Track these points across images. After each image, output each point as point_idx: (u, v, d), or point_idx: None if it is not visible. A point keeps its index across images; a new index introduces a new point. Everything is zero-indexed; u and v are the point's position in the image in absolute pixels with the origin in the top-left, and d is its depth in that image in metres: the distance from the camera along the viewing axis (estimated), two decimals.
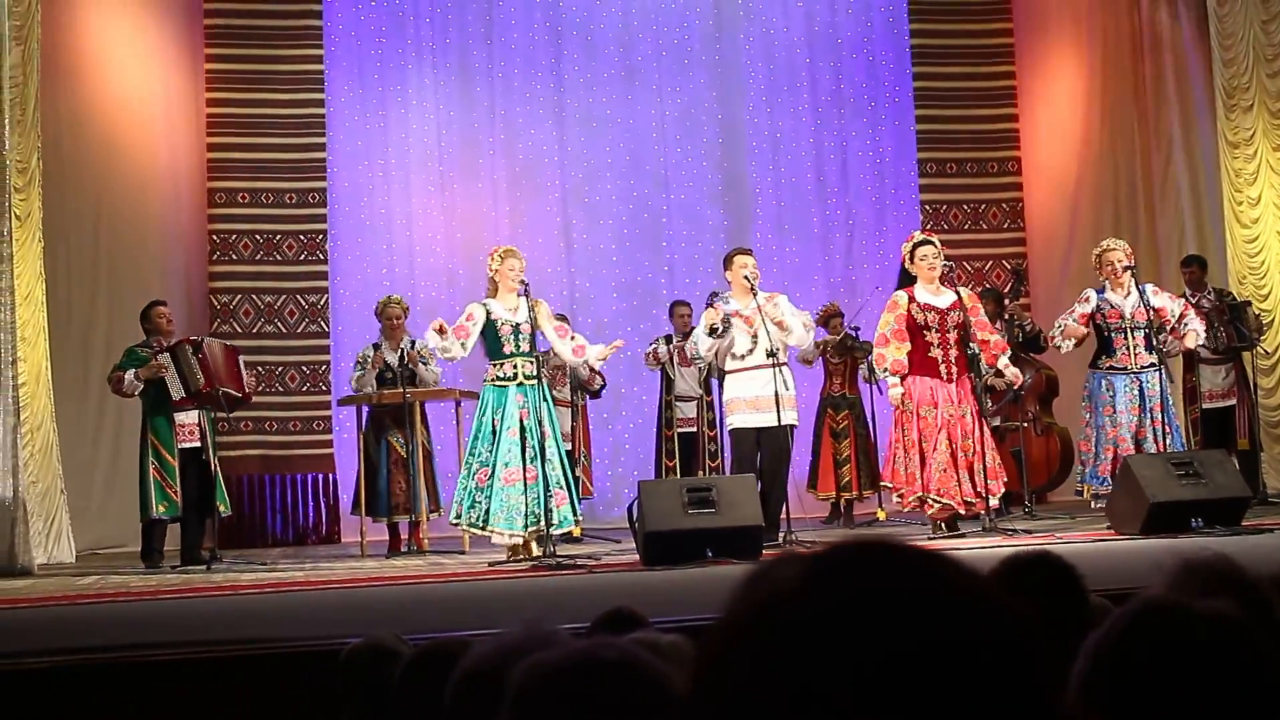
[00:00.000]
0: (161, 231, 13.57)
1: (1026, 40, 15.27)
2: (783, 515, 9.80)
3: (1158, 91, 14.74)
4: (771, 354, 9.84)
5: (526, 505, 9.46)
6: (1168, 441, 10.35)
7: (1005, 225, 15.02)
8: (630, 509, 9.34)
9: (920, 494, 9.78)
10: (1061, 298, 14.19)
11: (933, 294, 10.03)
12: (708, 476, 11.28)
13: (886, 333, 10.02)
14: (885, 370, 10.05)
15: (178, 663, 5.17)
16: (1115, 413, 10.44)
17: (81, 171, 13.17)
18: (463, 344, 9.64)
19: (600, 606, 3.26)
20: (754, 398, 9.87)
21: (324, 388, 13.71)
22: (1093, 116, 15.13)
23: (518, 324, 9.78)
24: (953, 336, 9.92)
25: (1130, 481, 9.38)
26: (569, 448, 11.42)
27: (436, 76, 14.55)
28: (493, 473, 9.59)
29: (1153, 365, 10.52)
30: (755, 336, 9.87)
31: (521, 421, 9.62)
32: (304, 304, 13.78)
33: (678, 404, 12.51)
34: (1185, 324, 10.70)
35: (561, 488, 9.63)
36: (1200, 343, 10.89)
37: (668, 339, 12.58)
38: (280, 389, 13.67)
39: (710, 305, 9.88)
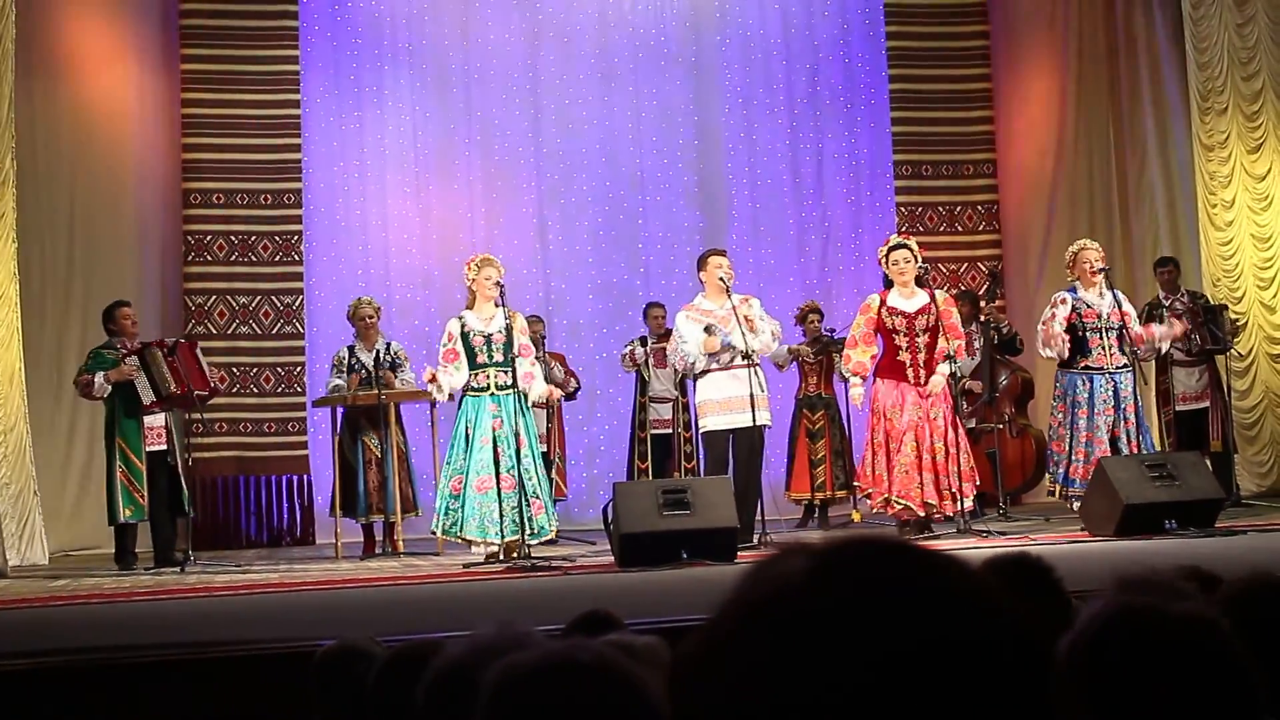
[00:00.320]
0: (136, 232, 13.52)
1: (1003, 43, 15.31)
2: (758, 517, 9.82)
3: (1133, 94, 14.79)
4: (747, 355, 9.87)
5: (501, 513, 9.46)
6: (1141, 443, 10.39)
7: (981, 227, 15.05)
8: (605, 510, 9.34)
9: (885, 495, 9.85)
10: (1037, 300, 14.22)
11: (904, 298, 10.09)
12: (683, 478, 11.28)
13: (856, 335, 10.15)
14: (847, 370, 10.13)
15: (151, 665, 5.15)
16: (1092, 414, 10.46)
17: (56, 172, 13.13)
18: (456, 366, 9.76)
19: (575, 608, 3.25)
20: (726, 398, 9.90)
21: (299, 389, 13.67)
22: (1068, 119, 15.17)
23: (489, 334, 9.81)
24: (922, 340, 9.97)
25: (1105, 483, 9.41)
26: (544, 449, 11.41)
27: (412, 77, 14.52)
28: (465, 481, 9.62)
29: (1126, 367, 10.56)
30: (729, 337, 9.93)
31: (494, 431, 9.65)
32: (279, 305, 13.74)
33: (653, 405, 12.52)
34: (1155, 340, 10.76)
35: (538, 496, 9.64)
36: (1168, 337, 10.90)
37: (643, 340, 12.58)
38: (255, 390, 13.62)
39: (709, 332, 9.93)
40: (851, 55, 15.28)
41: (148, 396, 10.49)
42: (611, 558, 9.08)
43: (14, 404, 11.74)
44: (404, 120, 14.45)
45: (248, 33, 13.87)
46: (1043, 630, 1.16)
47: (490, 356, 9.80)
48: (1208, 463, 10.60)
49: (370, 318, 11.51)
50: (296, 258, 13.84)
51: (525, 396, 9.90)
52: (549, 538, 10.03)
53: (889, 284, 10.26)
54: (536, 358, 11.55)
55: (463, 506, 9.60)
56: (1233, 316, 12.53)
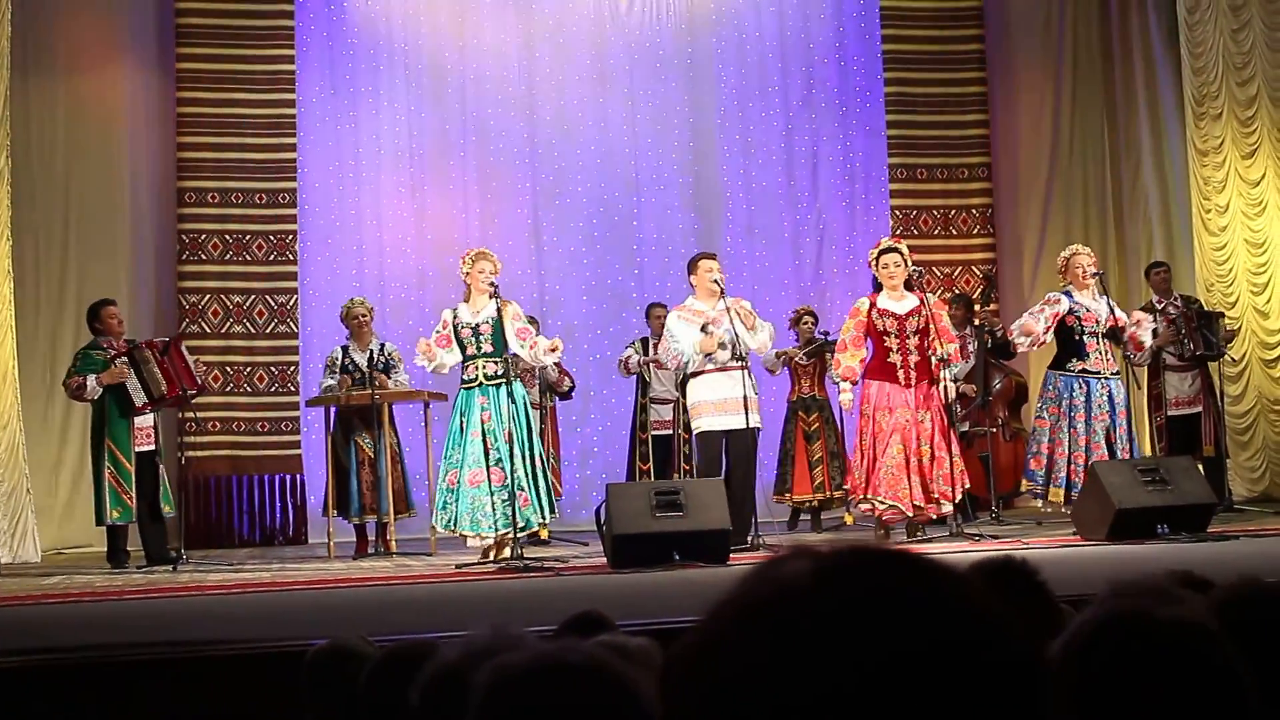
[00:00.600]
0: (130, 231, 13.51)
1: (998, 48, 15.31)
2: (766, 519, 9.87)
3: (1127, 99, 14.82)
4: (741, 356, 9.90)
5: (492, 506, 9.48)
6: (1132, 449, 10.41)
7: (975, 231, 15.05)
8: (598, 511, 9.34)
9: (866, 495, 9.87)
10: (1030, 304, 14.22)
11: (894, 300, 10.14)
12: (681, 480, 11.27)
13: (846, 339, 10.19)
14: (836, 374, 10.16)
15: (143, 663, 5.15)
16: (1088, 417, 10.46)
17: (51, 170, 13.14)
18: (449, 351, 9.78)
19: (567, 609, 3.26)
20: (721, 400, 9.92)
21: (292, 388, 13.65)
22: (1063, 124, 15.20)
23: (477, 325, 9.82)
24: (912, 342, 10.02)
25: (1097, 487, 9.43)
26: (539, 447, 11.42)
27: (408, 78, 14.51)
28: (460, 475, 9.64)
29: (1117, 373, 10.58)
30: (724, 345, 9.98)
31: (484, 424, 9.65)
32: (273, 304, 13.72)
33: (653, 406, 12.51)
34: (1141, 328, 10.75)
35: (523, 489, 9.61)
36: (1150, 337, 10.90)
37: (644, 341, 12.56)
38: (248, 389, 13.61)
39: (705, 331, 9.94)
40: (847, 59, 15.27)
41: (139, 398, 10.48)
42: (604, 559, 9.09)
43: (7, 402, 11.74)
44: (399, 120, 14.44)
45: (243, 32, 13.85)
46: (1035, 638, 1.17)
47: (479, 347, 9.81)
48: (1200, 468, 10.61)
49: (363, 318, 11.50)
50: (291, 257, 13.82)
51: (520, 386, 9.93)
52: (533, 530, 10.03)
53: (878, 287, 10.29)
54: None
55: (457, 501, 9.61)
56: (1227, 324, 12.53)
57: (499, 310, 9.75)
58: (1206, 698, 1.44)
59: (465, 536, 9.70)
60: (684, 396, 10.49)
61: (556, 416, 12.68)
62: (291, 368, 13.71)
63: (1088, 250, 10.99)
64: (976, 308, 12.57)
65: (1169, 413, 12.19)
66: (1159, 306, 12.17)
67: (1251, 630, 1.95)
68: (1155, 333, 11.12)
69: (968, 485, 10.22)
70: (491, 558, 9.53)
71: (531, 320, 12.06)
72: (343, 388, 11.22)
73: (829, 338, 12.28)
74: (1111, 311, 10.56)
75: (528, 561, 9.07)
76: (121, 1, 13.68)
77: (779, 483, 12.49)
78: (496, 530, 9.51)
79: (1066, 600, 3.04)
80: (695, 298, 10.21)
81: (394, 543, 11.23)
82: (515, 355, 9.92)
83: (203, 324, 13.50)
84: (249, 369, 13.63)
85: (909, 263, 10.27)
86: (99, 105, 13.43)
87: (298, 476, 13.53)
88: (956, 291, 13.86)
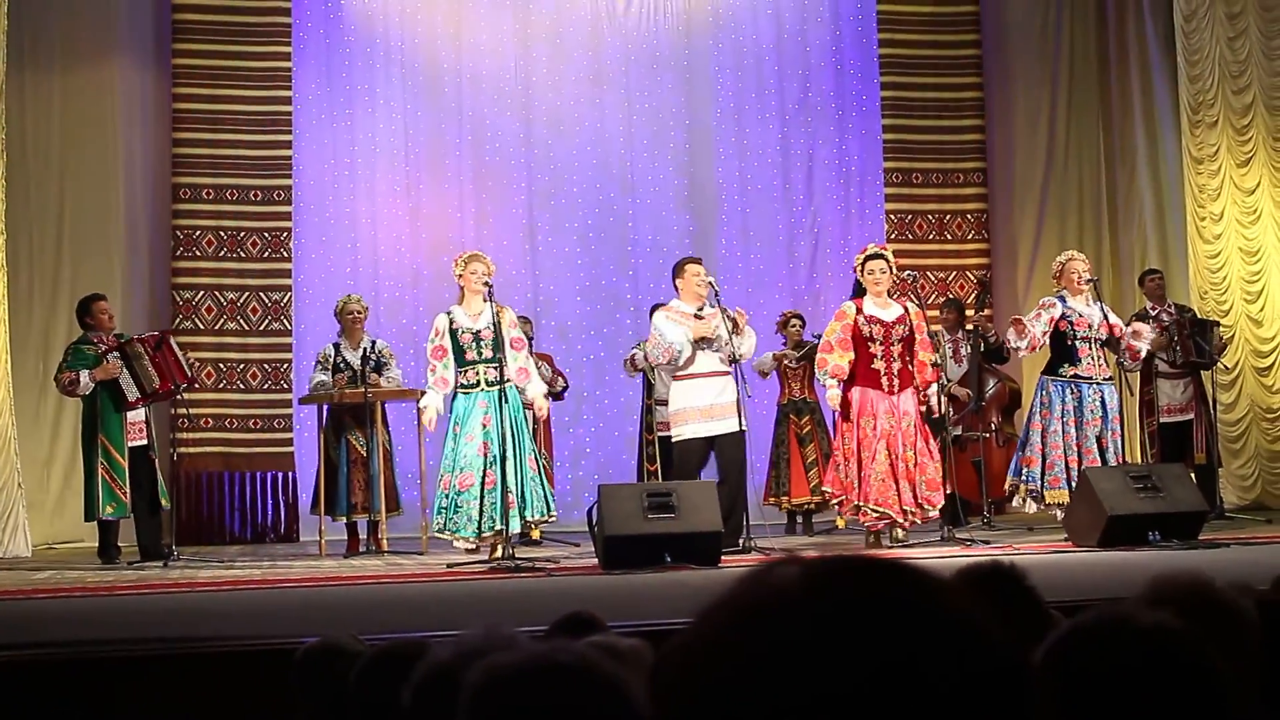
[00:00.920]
0: (124, 226, 13.49)
1: (994, 53, 15.32)
2: (758, 521, 9.90)
3: (1123, 106, 14.83)
4: (734, 359, 9.93)
5: (483, 510, 9.48)
6: (1122, 456, 10.42)
7: (970, 236, 15.06)
8: (590, 512, 9.34)
9: (857, 503, 9.88)
10: (1024, 309, 14.24)
11: (880, 307, 10.16)
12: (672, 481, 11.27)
13: (832, 340, 10.19)
14: (825, 374, 10.17)
15: (133, 659, 5.15)
16: (1080, 423, 10.46)
17: (45, 165, 13.13)
18: (445, 364, 9.79)
19: (559, 610, 3.26)
20: (709, 405, 9.96)
21: (285, 386, 13.64)
22: (1058, 130, 15.21)
23: (478, 331, 9.82)
24: (897, 349, 10.05)
25: (1089, 494, 9.44)
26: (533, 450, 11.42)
27: (404, 76, 14.51)
28: (454, 478, 9.64)
29: (1109, 379, 10.58)
30: (711, 342, 10.02)
31: (484, 427, 9.65)
32: (266, 301, 13.71)
33: (659, 408, 12.48)
34: (1140, 337, 10.74)
35: (511, 492, 9.60)
36: (1145, 343, 10.89)
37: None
38: (241, 386, 13.60)
39: (699, 317, 9.99)
40: (844, 62, 15.28)
41: (132, 393, 10.47)
42: (595, 560, 9.09)
43: (0, 396, 11.73)
44: (395, 119, 14.43)
45: (240, 28, 13.84)
46: (1024, 643, 1.17)
47: (479, 353, 9.82)
48: (1192, 475, 10.63)
49: (357, 315, 11.48)
50: (285, 254, 13.82)
51: (520, 392, 9.92)
52: (532, 533, 10.03)
53: (860, 292, 10.31)
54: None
55: (452, 504, 9.62)
56: (1221, 332, 12.54)
57: (496, 316, 9.78)
58: (1187, 702, 1.44)
59: (454, 539, 9.69)
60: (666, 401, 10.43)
61: (550, 417, 12.66)
62: (285, 365, 13.70)
63: (1082, 256, 11.01)
64: (970, 313, 12.56)
65: (1161, 420, 12.19)
66: (1152, 313, 12.18)
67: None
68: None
69: (948, 490, 10.22)
70: (482, 558, 9.52)
71: (525, 320, 12.09)
72: (337, 386, 11.20)
73: (819, 339, 12.30)
74: (1106, 318, 10.56)
75: (519, 561, 9.07)
76: None
77: (775, 486, 12.47)
78: (480, 534, 9.52)
79: (1058, 606, 3.04)
80: (681, 300, 10.24)
81: (385, 541, 11.21)
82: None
83: (196, 320, 13.49)
84: (242, 365, 13.62)
85: (894, 269, 10.31)
86: (94, 100, 13.41)
87: (290, 474, 13.52)
88: (948, 296, 13.85)
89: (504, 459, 9.50)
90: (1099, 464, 10.22)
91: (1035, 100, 15.29)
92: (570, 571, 8.94)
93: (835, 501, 10.27)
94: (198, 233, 13.65)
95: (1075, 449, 10.43)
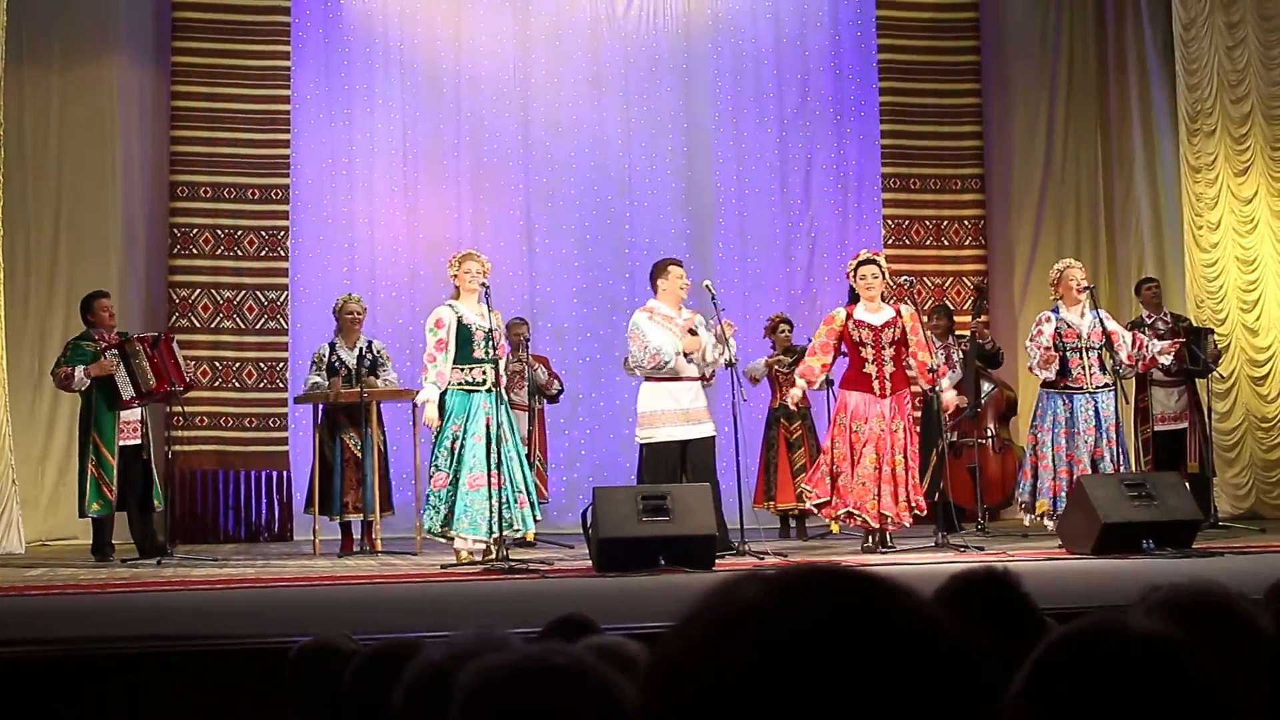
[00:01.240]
0: (122, 224, 13.48)
1: (993, 59, 15.33)
2: (737, 527, 9.89)
3: (1121, 114, 14.84)
4: (730, 364, 9.95)
5: (490, 511, 9.46)
6: (1121, 464, 10.40)
7: (967, 242, 15.06)
8: (584, 515, 9.34)
9: (846, 508, 9.91)
10: (1021, 316, 14.28)
11: (871, 311, 10.20)
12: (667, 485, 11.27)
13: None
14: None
15: (126, 657, 5.14)
16: (1073, 433, 10.46)
17: (43, 162, 13.13)
18: (446, 358, 9.72)
19: (552, 611, 3.26)
20: (685, 409, 10.01)
21: (281, 385, 13.63)
22: (1056, 136, 15.22)
23: (489, 330, 9.81)
24: (888, 353, 10.08)
25: (1083, 501, 9.44)
26: (525, 452, 11.42)
27: (403, 76, 14.50)
28: (456, 478, 9.58)
29: (1106, 385, 10.57)
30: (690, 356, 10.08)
31: (487, 427, 9.63)
32: (263, 300, 13.70)
33: None
34: (1149, 348, 10.72)
35: (523, 491, 9.65)
36: (1163, 359, 10.87)
37: None
38: (237, 385, 13.59)
39: (693, 333, 10.02)
40: (842, 67, 15.28)
41: (127, 392, 10.47)
42: (590, 562, 9.09)
43: None
44: (393, 119, 14.43)
45: (239, 27, 13.84)
46: (1000, 647, 1.17)
47: (486, 352, 9.80)
48: (1186, 484, 10.63)
49: (356, 315, 11.48)
50: (282, 253, 13.81)
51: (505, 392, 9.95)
52: (526, 535, 10.02)
53: (854, 298, 10.35)
54: (519, 358, 11.60)
55: (450, 503, 9.57)
56: (1216, 340, 12.55)
57: (494, 318, 9.82)
58: (1179, 713, 1.44)
59: (458, 538, 9.62)
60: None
61: (544, 419, 12.67)
62: (281, 364, 13.69)
63: (1080, 265, 11.00)
64: (968, 319, 12.58)
65: (1155, 428, 12.20)
66: (1148, 321, 12.18)
67: None
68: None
69: (943, 496, 10.24)
70: (475, 559, 9.51)
71: (522, 321, 12.10)
72: (333, 386, 11.20)
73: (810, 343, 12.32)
74: (1102, 325, 10.55)
75: (513, 563, 9.07)
76: None
77: (764, 490, 12.46)
78: (491, 534, 9.50)
79: (1053, 613, 3.05)
80: (660, 301, 10.22)
81: (379, 541, 11.21)
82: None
83: (193, 319, 13.48)
84: (238, 364, 13.61)
85: (886, 275, 10.35)
86: (93, 98, 13.41)
87: (284, 473, 13.52)
88: (946, 303, 13.86)
89: (510, 460, 9.51)
90: (1087, 472, 10.21)
91: (1033, 107, 15.29)
92: (564, 573, 8.94)
93: (816, 503, 10.27)
94: (195, 231, 13.65)
95: (1065, 460, 10.43)
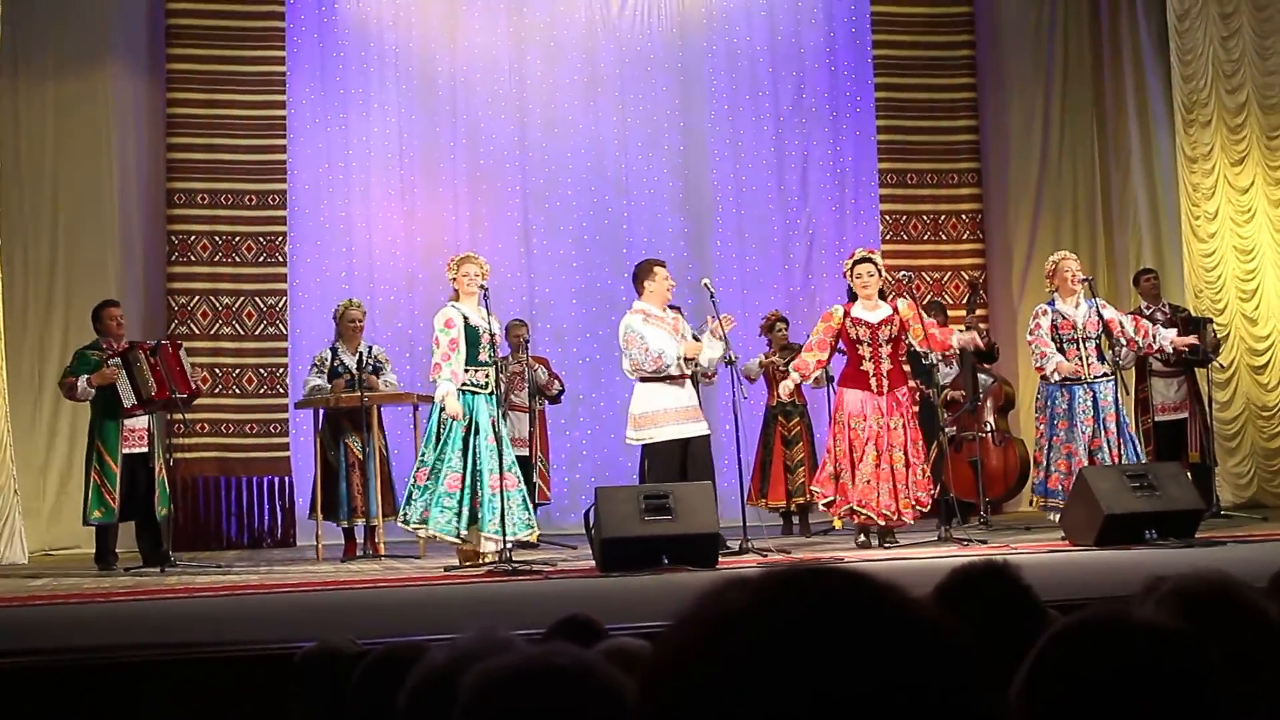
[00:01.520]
0: (119, 232, 13.48)
1: (988, 54, 15.33)
2: (739, 525, 9.91)
3: (1117, 106, 14.84)
4: (731, 362, 9.96)
5: (503, 511, 9.44)
6: (1124, 452, 10.37)
7: (965, 237, 15.06)
8: (587, 515, 9.34)
9: (849, 505, 9.93)
10: (1019, 310, 14.27)
11: (868, 309, 10.21)
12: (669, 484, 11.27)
13: (812, 340, 10.32)
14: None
15: (130, 665, 5.15)
16: (1071, 425, 10.46)
17: (40, 170, 13.13)
18: (459, 357, 9.69)
19: (556, 613, 3.26)
20: (684, 407, 10.03)
21: (281, 390, 13.63)
22: (1053, 130, 15.22)
23: (492, 333, 9.81)
24: (885, 350, 10.11)
25: (1085, 493, 9.44)
26: (526, 453, 11.43)
27: (398, 80, 14.50)
28: (479, 480, 9.55)
29: (1105, 375, 10.56)
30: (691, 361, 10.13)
31: (477, 428, 9.63)
32: (262, 306, 13.71)
33: None
34: (1156, 337, 10.71)
35: (518, 495, 9.65)
36: (1168, 346, 10.84)
37: None
38: (237, 391, 13.59)
39: (697, 339, 10.06)
40: (838, 64, 15.29)
41: (129, 399, 10.48)
42: (593, 562, 9.09)
43: None
44: (389, 123, 14.43)
45: (234, 33, 13.84)
46: (1002, 640, 1.17)
47: (489, 355, 9.81)
48: (1188, 474, 10.63)
49: (358, 321, 11.48)
50: (280, 259, 13.81)
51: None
52: (528, 538, 10.02)
53: (853, 296, 10.37)
54: (518, 359, 11.61)
55: (464, 504, 9.53)
56: (1216, 329, 12.55)
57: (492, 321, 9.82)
58: (1182, 703, 1.44)
59: (486, 539, 9.57)
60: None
61: (545, 420, 12.67)
62: (280, 370, 13.69)
63: (1075, 257, 11.01)
64: (963, 314, 12.58)
65: (1155, 418, 12.20)
66: (1147, 312, 12.17)
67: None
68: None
69: (934, 491, 10.21)
70: (481, 561, 9.51)
71: (521, 323, 12.10)
72: (335, 390, 11.19)
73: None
74: (1100, 315, 10.54)
75: (517, 564, 9.07)
76: (112, 2, 13.66)
77: (758, 489, 12.45)
78: (515, 534, 9.49)
79: (1055, 605, 3.05)
80: (647, 301, 10.22)
81: (382, 545, 11.21)
82: (505, 358, 9.91)
83: (192, 325, 13.48)
84: (238, 371, 13.61)
85: (882, 272, 10.36)
86: (88, 107, 13.41)
87: (286, 479, 13.52)
88: (939, 300, 13.85)
89: (491, 463, 9.51)
90: (1083, 464, 10.22)
91: (1029, 101, 15.30)
92: (568, 574, 8.94)
93: (824, 502, 10.28)
94: (192, 238, 13.65)
95: (1063, 452, 10.43)
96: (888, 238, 14.63)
